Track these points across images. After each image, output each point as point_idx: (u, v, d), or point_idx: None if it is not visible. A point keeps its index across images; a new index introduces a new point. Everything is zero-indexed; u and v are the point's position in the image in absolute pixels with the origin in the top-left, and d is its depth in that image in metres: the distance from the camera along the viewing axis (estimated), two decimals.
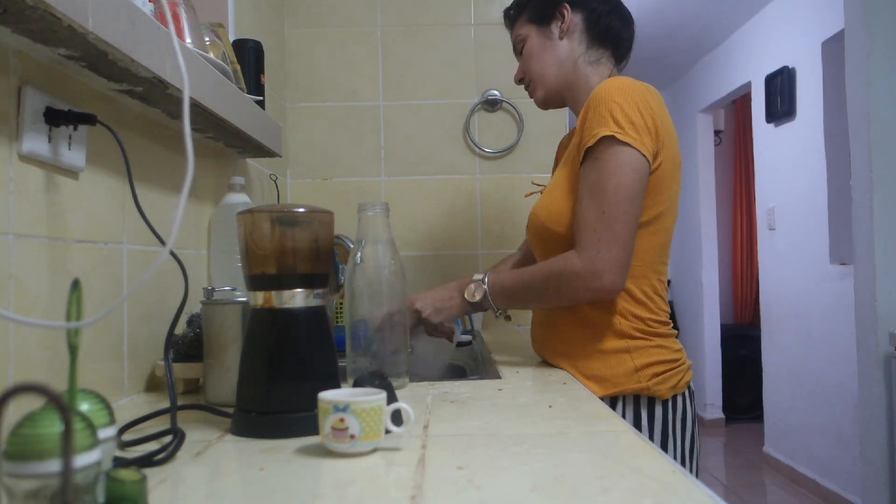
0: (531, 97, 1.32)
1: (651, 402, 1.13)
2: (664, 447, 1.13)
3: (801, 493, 3.57)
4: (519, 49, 1.31)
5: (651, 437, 1.12)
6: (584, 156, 1.11)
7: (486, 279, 1.18)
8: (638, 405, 1.13)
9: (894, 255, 2.28)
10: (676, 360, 1.15)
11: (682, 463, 1.16)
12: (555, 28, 1.26)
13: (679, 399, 1.15)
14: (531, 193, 1.51)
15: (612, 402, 1.12)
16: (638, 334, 1.13)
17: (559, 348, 1.19)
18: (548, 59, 1.26)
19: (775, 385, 3.98)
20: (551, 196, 1.20)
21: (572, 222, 1.13)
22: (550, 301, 1.15)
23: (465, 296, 1.19)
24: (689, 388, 1.18)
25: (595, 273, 1.06)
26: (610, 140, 1.07)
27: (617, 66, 1.29)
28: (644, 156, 1.07)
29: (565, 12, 1.25)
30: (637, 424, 1.12)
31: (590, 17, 1.25)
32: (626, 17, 1.28)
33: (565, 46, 1.25)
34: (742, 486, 3.78)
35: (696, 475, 1.20)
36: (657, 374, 1.12)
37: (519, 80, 1.33)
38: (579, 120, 1.15)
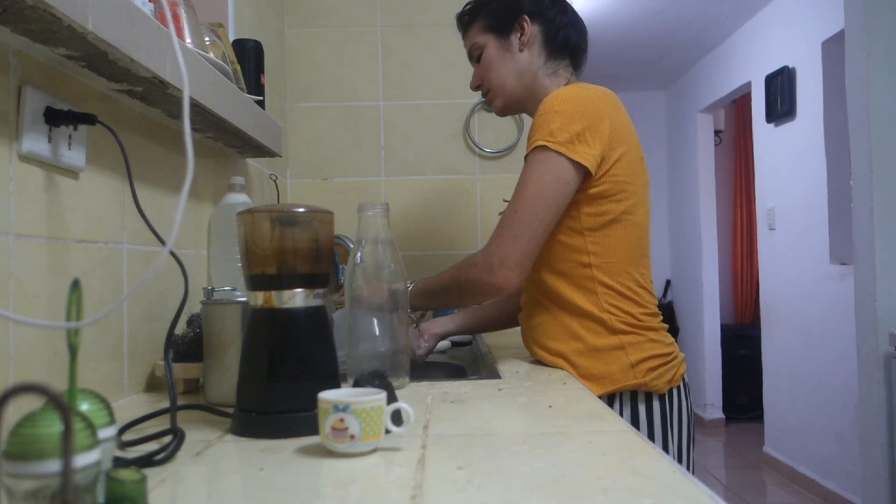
0: (489, 103, 1.34)
1: (649, 397, 1.15)
2: (664, 441, 1.15)
3: (801, 493, 3.57)
4: (475, 57, 1.32)
5: (651, 432, 1.14)
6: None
7: (412, 286, 1.24)
8: (636, 401, 1.14)
9: (894, 255, 2.28)
10: (670, 354, 1.18)
11: (681, 455, 1.18)
12: (514, 39, 1.26)
13: (675, 392, 1.18)
14: (503, 212, 1.51)
15: (609, 399, 1.14)
16: (629, 329, 1.15)
17: (554, 347, 1.19)
18: (507, 70, 1.27)
19: (775, 385, 3.98)
20: None
21: None
22: (459, 297, 1.22)
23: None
24: (683, 381, 1.21)
25: (489, 267, 1.12)
26: (541, 148, 1.11)
27: (575, 73, 1.31)
28: (577, 163, 1.10)
29: (525, 24, 1.25)
30: (636, 420, 1.14)
31: (548, 30, 1.26)
32: (581, 28, 1.31)
33: (525, 58, 1.27)
34: (742, 486, 3.78)
35: (693, 468, 1.23)
36: (653, 369, 1.14)
37: (476, 87, 1.34)
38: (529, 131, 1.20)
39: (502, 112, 1.33)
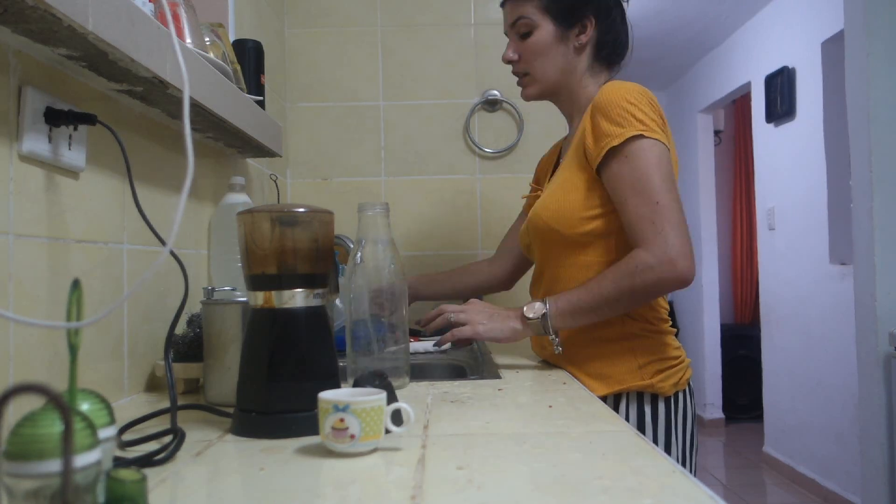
0: (519, 85, 1.28)
1: (654, 399, 1.14)
2: (667, 444, 1.14)
3: (801, 493, 3.57)
4: (520, 31, 1.23)
5: (655, 434, 1.14)
6: (605, 157, 1.10)
7: (547, 304, 1.12)
8: (641, 402, 1.14)
9: (894, 255, 2.28)
10: (678, 358, 1.17)
11: (684, 459, 1.18)
12: (571, 35, 1.22)
13: (681, 396, 1.17)
14: (527, 196, 1.47)
15: (615, 399, 1.13)
16: (641, 332, 1.15)
17: (566, 349, 1.17)
18: (556, 63, 1.23)
19: (775, 385, 3.98)
20: (554, 197, 1.18)
21: (579, 222, 1.14)
22: (627, 305, 1.10)
23: (525, 312, 1.13)
24: (689, 385, 1.20)
25: (670, 262, 1.04)
26: (638, 138, 1.08)
27: (610, 73, 1.29)
28: (668, 147, 1.11)
29: (588, 25, 1.21)
30: (641, 421, 1.13)
31: (604, 36, 1.23)
32: (628, 36, 1.27)
33: (574, 58, 1.23)
34: (742, 485, 3.78)
35: (695, 471, 1.22)
36: (660, 371, 1.14)
37: (510, 61, 1.26)
38: (584, 126, 1.16)
39: (530, 98, 1.28)
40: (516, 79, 1.30)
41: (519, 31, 1.23)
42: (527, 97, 1.28)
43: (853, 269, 2.44)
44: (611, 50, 1.25)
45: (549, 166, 1.39)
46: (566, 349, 1.16)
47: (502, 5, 1.27)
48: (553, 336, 1.12)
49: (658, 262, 1.04)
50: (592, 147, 1.12)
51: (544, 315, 1.11)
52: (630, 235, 1.09)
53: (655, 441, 1.14)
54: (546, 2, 1.21)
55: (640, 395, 1.14)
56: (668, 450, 1.15)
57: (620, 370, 1.13)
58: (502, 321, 1.15)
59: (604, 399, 1.12)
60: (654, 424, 1.13)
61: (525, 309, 1.13)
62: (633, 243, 1.08)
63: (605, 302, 1.09)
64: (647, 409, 1.14)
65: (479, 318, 1.16)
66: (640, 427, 1.13)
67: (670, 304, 5.46)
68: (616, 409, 1.13)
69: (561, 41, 1.21)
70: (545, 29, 1.21)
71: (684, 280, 1.05)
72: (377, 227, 1.04)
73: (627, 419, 1.13)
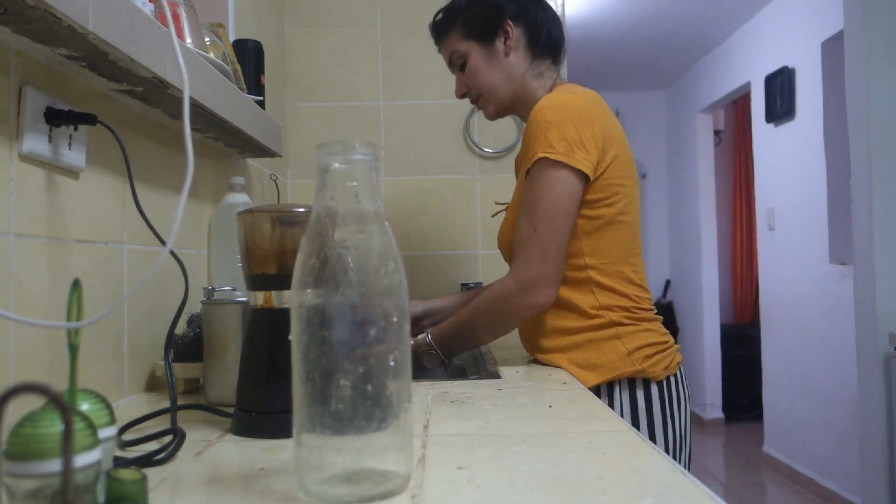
0: (479, 109, 1.34)
1: (647, 384, 1.17)
2: (664, 427, 1.17)
3: (801, 493, 3.57)
4: (458, 65, 1.30)
5: (650, 419, 1.16)
6: (526, 176, 1.16)
7: (429, 336, 1.22)
8: (634, 388, 1.16)
9: (894, 255, 2.28)
10: (665, 343, 1.21)
11: (681, 442, 1.20)
12: (499, 45, 1.25)
13: (672, 380, 1.19)
14: (497, 213, 1.51)
15: (609, 387, 1.16)
16: (626, 321, 1.17)
17: (553, 344, 1.21)
18: (496, 76, 1.26)
19: (775, 385, 3.98)
20: (507, 223, 1.26)
21: None
22: (493, 328, 1.19)
23: (425, 364, 1.25)
24: (680, 369, 1.23)
25: (527, 288, 1.12)
26: (543, 161, 1.12)
27: (557, 69, 1.31)
28: (578, 171, 1.11)
29: (509, 28, 1.24)
30: (634, 407, 1.16)
31: (531, 31, 1.26)
32: (559, 22, 1.30)
33: (512, 63, 1.26)
34: (742, 485, 3.78)
35: (689, 457, 1.25)
36: (649, 356, 1.16)
37: (462, 95, 1.33)
38: (522, 141, 1.20)
39: (494, 117, 1.33)
40: None
41: (457, 65, 1.31)
42: (489, 117, 1.34)
43: (853, 269, 2.44)
44: (545, 42, 1.27)
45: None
46: (557, 345, 1.19)
47: (439, 51, 1.34)
48: (446, 361, 1.23)
49: (518, 289, 1.13)
50: (523, 167, 1.19)
51: (428, 343, 1.22)
52: (513, 254, 1.17)
53: (652, 426, 1.16)
54: (464, 29, 1.27)
55: (631, 382, 1.16)
56: (664, 433, 1.17)
57: (611, 358, 1.15)
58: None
59: (597, 388, 1.16)
60: (649, 409, 1.15)
61: (424, 361, 1.24)
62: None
63: (468, 328, 1.20)
64: (640, 395, 1.16)
65: None
66: (635, 413, 1.15)
67: (670, 303, 5.50)
68: (610, 396, 1.16)
69: (492, 55, 1.26)
70: (475, 52, 1.27)
71: (540, 306, 1.14)
72: (356, 192, 0.55)
73: (621, 406, 1.16)
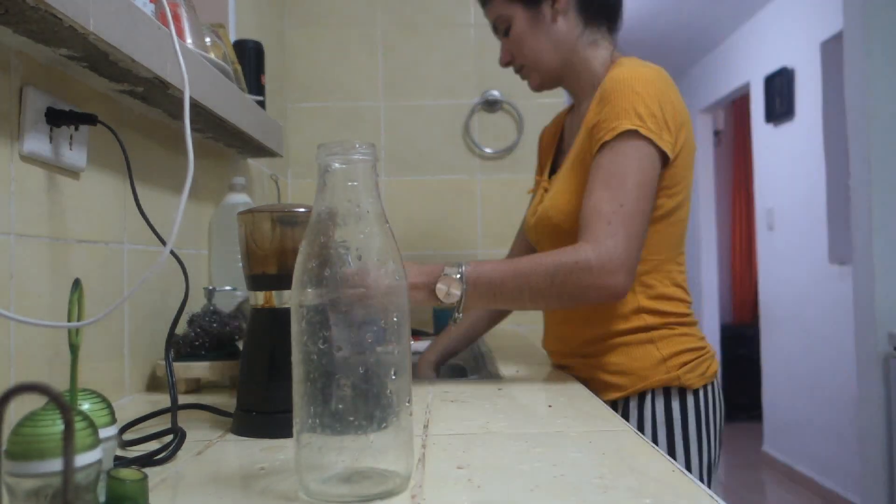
0: (523, 79, 1.23)
1: (682, 392, 1.08)
2: (699, 439, 1.08)
3: (800, 493, 3.58)
4: (502, 30, 1.19)
5: (685, 430, 1.07)
6: (598, 150, 1.04)
7: (464, 273, 0.99)
8: (669, 397, 1.08)
9: (893, 255, 2.28)
10: (703, 349, 1.12)
11: (715, 455, 1.12)
12: (546, 9, 1.14)
13: (709, 389, 1.11)
14: (533, 190, 1.38)
15: (640, 396, 1.07)
16: (661, 325, 1.09)
17: (578, 348, 1.14)
18: (542, 43, 1.15)
19: (774, 385, 3.98)
20: (564, 197, 1.13)
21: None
22: (548, 299, 1.00)
23: (438, 296, 0.99)
24: (716, 377, 1.14)
25: (609, 270, 0.97)
26: (632, 134, 1.01)
27: (613, 38, 1.21)
28: (662, 152, 1.03)
29: None
30: (669, 418, 1.07)
31: None
32: None
33: (560, 29, 1.15)
34: (741, 485, 3.78)
35: (718, 464, 1.16)
36: (686, 363, 1.08)
37: (506, 63, 1.21)
38: (591, 111, 1.09)
39: (539, 88, 1.22)
40: (517, 79, 1.27)
41: (501, 30, 1.19)
42: (534, 88, 1.23)
43: (852, 269, 2.44)
44: (599, 6, 1.16)
45: (551, 149, 1.31)
46: (582, 348, 1.12)
47: (485, 15, 1.23)
48: (457, 314, 1.01)
49: (599, 267, 0.96)
50: (590, 137, 1.08)
51: (459, 300, 0.99)
52: (581, 224, 1.01)
53: (686, 438, 1.07)
54: None
55: (666, 391, 1.07)
56: (699, 446, 1.08)
57: (643, 364, 1.07)
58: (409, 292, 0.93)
59: (627, 398, 1.07)
60: (684, 420, 1.07)
61: (438, 287, 0.98)
62: (581, 234, 1.00)
63: (527, 290, 0.99)
64: (676, 405, 1.08)
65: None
66: (669, 424, 1.07)
67: None
68: (641, 407, 1.07)
69: (538, 21, 1.15)
70: (519, 17, 1.15)
71: (616, 294, 0.98)
72: (356, 192, 0.56)
73: (654, 417, 1.07)
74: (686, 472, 0.58)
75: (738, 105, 5.28)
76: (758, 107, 4.07)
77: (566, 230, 1.10)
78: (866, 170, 2.31)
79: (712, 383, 1.12)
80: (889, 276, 2.28)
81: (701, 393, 1.10)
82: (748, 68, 4.19)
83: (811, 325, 3.56)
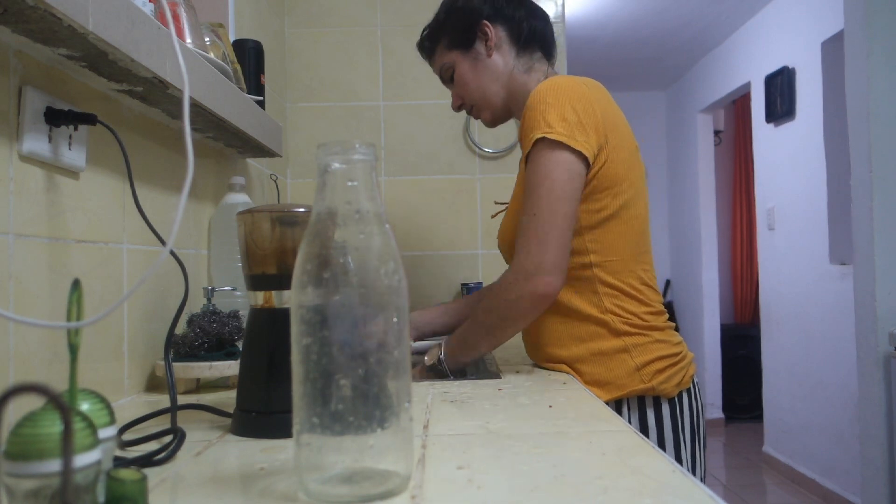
0: (476, 119, 1.31)
1: (657, 401, 1.10)
2: (676, 447, 1.10)
3: (801, 493, 3.57)
4: (448, 77, 1.28)
5: (661, 438, 1.09)
6: (525, 160, 1.11)
7: (443, 347, 1.16)
8: (643, 406, 1.10)
9: (894, 255, 2.28)
10: (678, 354, 1.13)
11: (694, 461, 1.14)
12: (480, 48, 1.23)
13: (685, 395, 1.13)
14: (497, 214, 1.45)
15: (616, 405, 1.10)
16: (634, 330, 1.10)
17: (556, 353, 1.16)
18: (483, 79, 1.24)
19: (775, 385, 3.98)
20: (511, 215, 1.20)
21: None
22: (496, 327, 1.10)
23: (425, 359, 1.18)
24: (693, 382, 1.16)
25: (526, 276, 1.03)
26: (541, 141, 1.05)
27: (550, 63, 1.27)
28: (579, 153, 1.05)
29: (487, 29, 1.22)
30: (644, 426, 1.09)
31: (511, 27, 1.23)
32: (543, 16, 1.27)
33: (497, 62, 1.23)
34: (742, 485, 3.78)
35: (704, 472, 1.18)
36: (660, 371, 1.09)
37: (458, 108, 1.31)
38: (520, 130, 1.14)
39: (492, 123, 1.30)
40: None
41: (447, 77, 1.29)
42: (487, 124, 1.31)
43: (853, 269, 2.44)
44: (528, 36, 1.23)
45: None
46: (561, 354, 1.15)
47: (433, 69, 1.33)
48: (450, 376, 1.15)
49: (514, 278, 1.04)
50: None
51: (440, 359, 1.15)
52: None
53: (662, 446, 1.09)
54: (446, 40, 1.26)
55: (641, 400, 1.10)
56: (676, 453, 1.10)
57: (618, 374, 1.08)
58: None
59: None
60: (660, 428, 1.09)
61: (426, 357, 1.18)
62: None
63: (477, 332, 1.11)
64: (651, 413, 1.09)
65: None
66: (644, 432, 1.09)
67: (670, 303, 5.50)
68: (618, 415, 1.10)
69: (476, 60, 1.24)
70: (459, 61, 1.25)
71: (543, 294, 1.04)
72: (356, 192, 0.55)
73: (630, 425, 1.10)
74: (686, 472, 0.58)
75: (738, 105, 5.27)
76: (758, 106, 4.06)
77: (509, 254, 1.19)
78: (867, 169, 2.30)
79: (688, 390, 1.14)
80: (890, 276, 2.27)
81: (676, 400, 1.12)
82: (749, 68, 4.19)
83: (812, 325, 3.55)
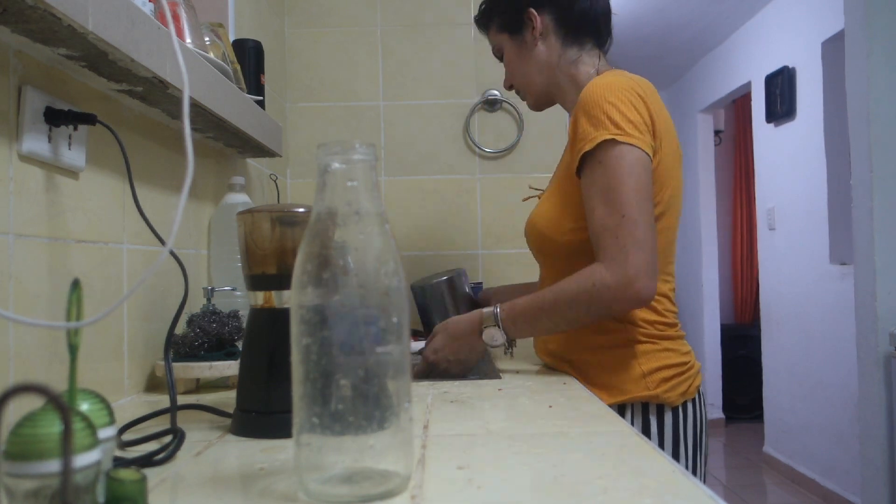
0: (523, 100, 1.32)
1: (660, 409, 1.09)
2: (675, 456, 1.10)
3: (801, 493, 3.57)
4: (499, 56, 1.30)
5: (661, 446, 1.09)
6: (581, 161, 1.07)
7: (498, 313, 1.12)
8: (647, 413, 1.09)
9: (894, 255, 2.28)
10: (685, 364, 1.12)
11: (694, 470, 1.13)
12: (527, 35, 1.22)
13: (689, 405, 1.12)
14: (529, 198, 1.47)
15: (619, 409, 1.09)
16: (645, 339, 1.10)
17: (564, 355, 1.16)
18: (528, 67, 1.24)
19: (775, 385, 3.98)
20: (549, 204, 1.18)
21: (571, 231, 1.12)
22: (579, 321, 1.08)
23: (485, 340, 1.14)
24: (698, 392, 1.15)
25: (627, 282, 1.01)
26: (611, 143, 1.03)
27: (602, 51, 1.26)
28: (647, 153, 1.05)
29: (532, 18, 1.21)
30: (646, 433, 1.09)
31: (559, 14, 1.21)
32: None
33: (541, 53, 1.22)
34: (742, 486, 3.78)
35: (704, 478, 1.17)
36: (666, 380, 1.09)
37: (509, 87, 1.31)
38: (570, 125, 1.13)
39: (536, 108, 1.31)
40: None
41: (499, 57, 1.31)
42: (531, 108, 1.32)
43: (853, 269, 2.44)
44: (577, 23, 1.21)
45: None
46: (568, 355, 1.15)
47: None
48: (509, 348, 1.16)
49: (615, 283, 1.01)
50: (572, 151, 1.11)
51: (506, 340, 1.14)
52: (594, 245, 1.06)
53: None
54: (497, 22, 1.26)
55: (645, 406, 1.09)
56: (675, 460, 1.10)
57: (623, 379, 1.08)
58: (467, 353, 1.17)
59: None
60: (661, 436, 1.09)
61: (484, 336, 1.14)
62: (595, 254, 1.05)
63: (556, 318, 1.08)
64: (653, 420, 1.09)
65: (446, 360, 1.18)
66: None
67: None
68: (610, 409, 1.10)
69: (522, 47, 1.24)
70: (507, 44, 1.26)
71: (641, 301, 1.03)
72: (356, 192, 0.55)
73: None
74: (687, 472, 0.58)
75: (738, 105, 5.27)
76: (758, 106, 4.06)
77: (548, 237, 1.16)
78: (867, 169, 2.30)
79: (693, 399, 1.13)
80: (890, 276, 2.27)
81: (680, 410, 1.11)
82: (749, 68, 4.19)
83: (812, 326, 3.55)
